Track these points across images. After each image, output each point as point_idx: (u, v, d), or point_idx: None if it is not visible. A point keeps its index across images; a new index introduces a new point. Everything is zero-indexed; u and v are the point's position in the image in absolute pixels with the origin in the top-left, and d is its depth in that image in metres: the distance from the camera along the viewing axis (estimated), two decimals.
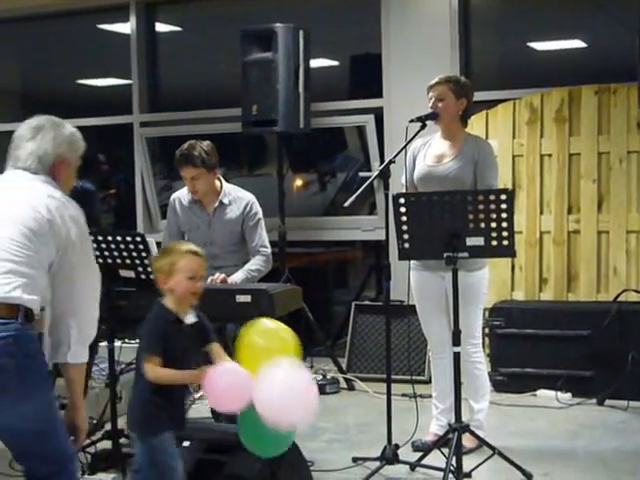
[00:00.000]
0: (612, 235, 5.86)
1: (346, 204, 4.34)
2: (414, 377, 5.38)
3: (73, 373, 3.01)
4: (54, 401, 2.95)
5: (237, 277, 4.76)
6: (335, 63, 7.39)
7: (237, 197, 4.98)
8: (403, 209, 3.92)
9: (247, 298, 4.08)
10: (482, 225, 3.86)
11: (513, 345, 5.73)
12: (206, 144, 4.88)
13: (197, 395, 5.31)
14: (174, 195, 5.10)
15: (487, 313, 5.56)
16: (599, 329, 5.49)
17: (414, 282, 4.58)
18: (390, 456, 4.20)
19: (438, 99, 4.46)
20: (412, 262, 4.51)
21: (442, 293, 4.45)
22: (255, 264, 4.89)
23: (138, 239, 4.03)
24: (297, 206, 7.18)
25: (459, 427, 3.96)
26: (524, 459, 4.15)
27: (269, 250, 4.99)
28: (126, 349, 4.77)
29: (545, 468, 4.25)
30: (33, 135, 3.07)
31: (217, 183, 4.97)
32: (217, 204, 4.94)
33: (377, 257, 7.37)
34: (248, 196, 5.01)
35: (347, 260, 8.14)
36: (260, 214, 5.00)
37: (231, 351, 4.56)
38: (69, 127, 3.16)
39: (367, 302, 6.80)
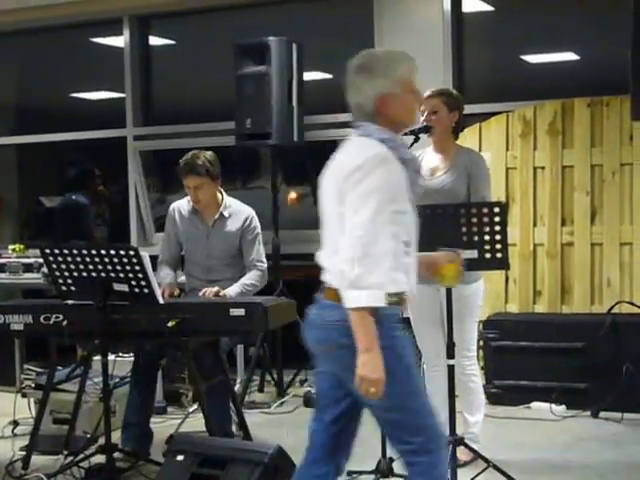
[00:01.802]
0: (605, 247, 5.87)
1: None
2: None
3: (351, 318, 2.80)
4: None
5: (232, 291, 4.75)
6: (329, 76, 7.40)
7: (237, 210, 4.99)
8: None
9: (241, 312, 4.07)
10: (475, 238, 3.86)
11: (507, 358, 5.72)
12: (209, 154, 4.89)
13: (190, 409, 5.31)
14: (173, 205, 5.08)
15: (481, 325, 5.55)
16: (593, 341, 5.48)
17: None
18: (385, 469, 4.19)
19: (431, 112, 4.45)
20: None
21: (437, 306, 4.44)
22: (251, 279, 4.89)
23: (132, 253, 4.02)
24: (291, 219, 7.17)
25: (454, 440, 3.97)
26: (518, 472, 4.14)
27: (265, 265, 4.99)
28: (120, 363, 4.75)
29: None
30: (352, 80, 2.81)
31: (218, 195, 4.98)
32: (217, 216, 4.95)
33: None
34: (248, 210, 5.01)
35: None
36: (259, 229, 5.01)
37: (225, 367, 4.59)
38: (385, 53, 2.87)
39: None
